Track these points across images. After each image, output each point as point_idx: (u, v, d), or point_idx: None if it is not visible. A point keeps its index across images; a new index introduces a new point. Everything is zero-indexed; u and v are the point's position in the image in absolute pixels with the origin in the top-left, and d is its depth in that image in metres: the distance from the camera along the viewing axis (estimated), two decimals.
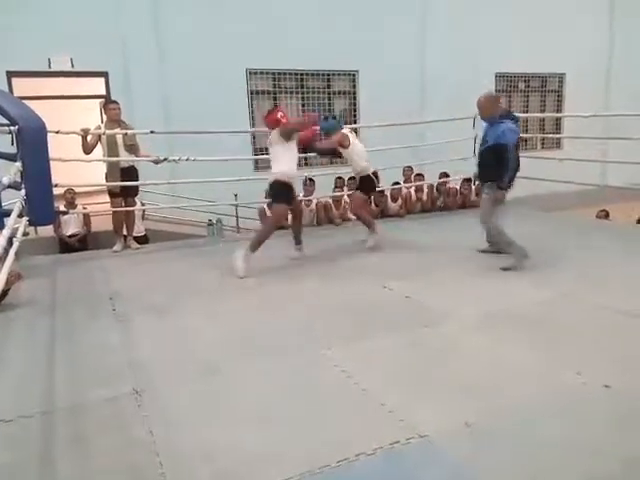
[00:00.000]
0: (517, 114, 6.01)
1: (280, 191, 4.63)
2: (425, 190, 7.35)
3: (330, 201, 6.84)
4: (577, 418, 2.21)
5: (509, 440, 2.07)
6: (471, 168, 7.25)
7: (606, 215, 8.23)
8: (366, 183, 5.27)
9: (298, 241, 5.01)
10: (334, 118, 5.53)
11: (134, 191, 5.73)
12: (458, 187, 7.48)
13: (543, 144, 11.55)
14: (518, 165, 4.45)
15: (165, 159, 5.65)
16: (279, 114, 4.74)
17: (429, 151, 7.94)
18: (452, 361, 2.78)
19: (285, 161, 4.61)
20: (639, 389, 2.41)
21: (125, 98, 7.16)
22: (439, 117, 7.41)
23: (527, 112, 11.35)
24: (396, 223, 6.71)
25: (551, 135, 11.46)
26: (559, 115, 11.56)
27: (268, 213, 4.87)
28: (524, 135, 10.47)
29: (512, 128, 4.31)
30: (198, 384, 2.64)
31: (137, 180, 5.68)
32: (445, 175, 7.35)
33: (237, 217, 7.89)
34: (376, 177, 5.41)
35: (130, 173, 5.54)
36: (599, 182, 9.33)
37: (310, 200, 6.63)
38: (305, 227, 6.68)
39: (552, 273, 4.22)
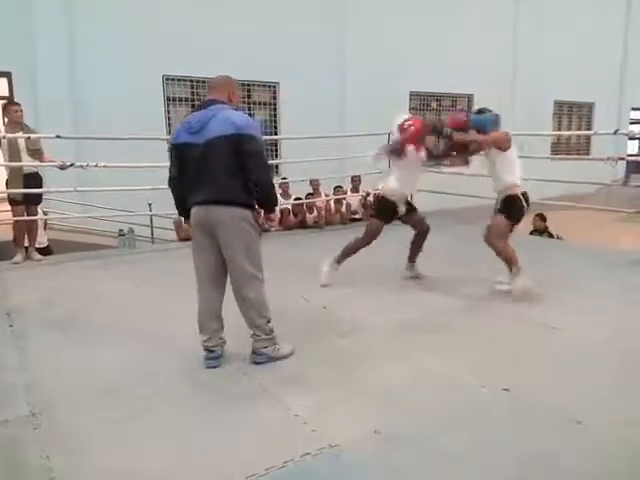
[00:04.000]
0: None
1: (380, 206, 4.40)
2: (344, 202, 7.51)
3: None
4: (481, 421, 2.31)
5: (415, 446, 2.13)
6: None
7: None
8: (513, 206, 4.02)
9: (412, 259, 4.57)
10: (489, 112, 4.13)
11: (37, 199, 5.39)
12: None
13: None
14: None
15: (71, 165, 5.35)
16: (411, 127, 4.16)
17: (349, 164, 8.18)
18: (365, 370, 2.82)
19: (393, 177, 4.30)
20: (534, 391, 2.56)
21: (30, 100, 6.76)
22: (358, 132, 7.59)
23: None
24: (316, 234, 6.80)
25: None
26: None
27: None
28: None
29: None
30: (101, 406, 2.49)
31: (41, 187, 5.35)
32: (340, 188, 7.64)
33: (152, 227, 7.60)
34: (526, 200, 4.06)
35: (33, 179, 5.22)
36: None
37: None
38: None
39: (461, 283, 4.42)
